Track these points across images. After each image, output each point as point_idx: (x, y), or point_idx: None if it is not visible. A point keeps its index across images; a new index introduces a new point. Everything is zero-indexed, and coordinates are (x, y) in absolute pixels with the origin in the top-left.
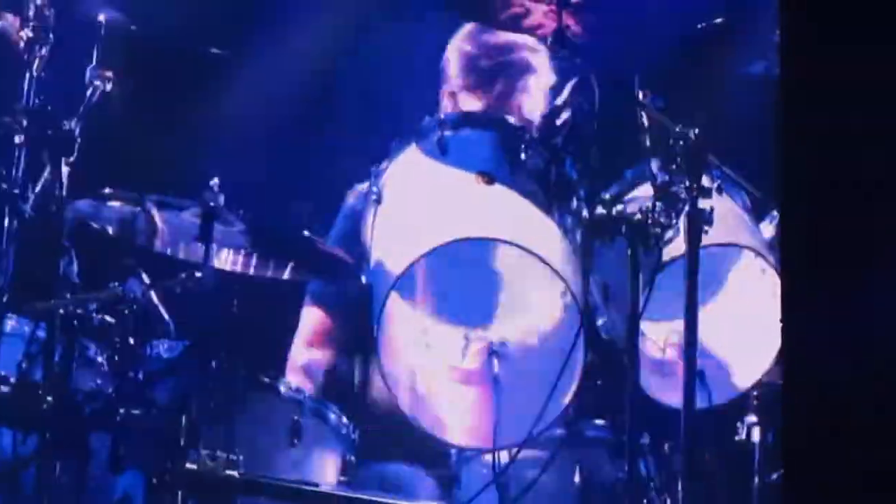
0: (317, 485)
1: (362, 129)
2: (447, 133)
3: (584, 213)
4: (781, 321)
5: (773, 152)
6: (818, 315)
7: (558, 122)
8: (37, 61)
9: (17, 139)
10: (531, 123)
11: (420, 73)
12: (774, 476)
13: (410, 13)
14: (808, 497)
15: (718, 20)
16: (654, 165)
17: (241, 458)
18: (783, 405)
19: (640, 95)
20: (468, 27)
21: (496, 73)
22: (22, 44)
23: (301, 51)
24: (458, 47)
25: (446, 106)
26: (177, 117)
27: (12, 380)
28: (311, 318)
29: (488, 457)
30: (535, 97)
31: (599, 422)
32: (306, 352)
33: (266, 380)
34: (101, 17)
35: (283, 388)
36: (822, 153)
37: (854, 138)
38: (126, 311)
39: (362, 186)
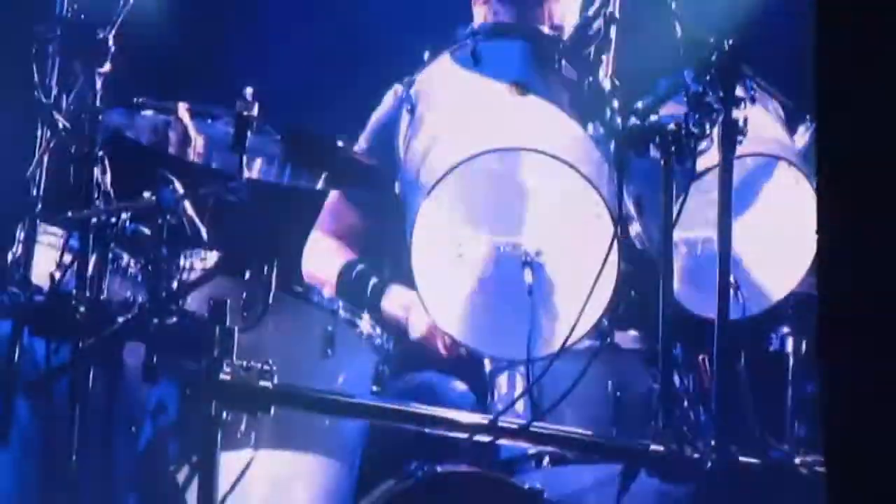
0: (351, 395)
1: (395, 38)
2: (481, 43)
3: (618, 122)
4: (817, 233)
5: (809, 60)
6: (853, 226)
7: (591, 32)
8: None
9: (51, 48)
10: (563, 31)
11: None
12: (808, 386)
13: None
14: (847, 418)
15: None
16: (688, 76)
17: (274, 368)
18: (818, 318)
19: (673, 6)
20: None
21: None
22: None
23: None
24: None
25: (478, 14)
26: (210, 26)
27: (46, 289)
28: (341, 209)
29: (522, 367)
30: (566, 4)
31: (633, 332)
32: (334, 246)
33: (299, 289)
34: None
35: (316, 298)
36: (859, 59)
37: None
38: (159, 221)
39: (394, 90)
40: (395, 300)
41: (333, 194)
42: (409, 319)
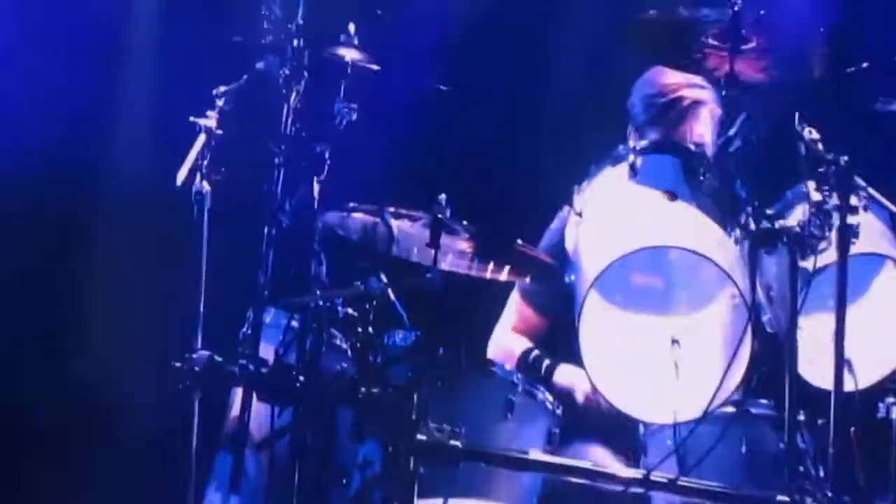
0: (526, 453)
1: (566, 153)
2: (637, 158)
3: (752, 226)
4: None
5: None
6: None
7: (730, 149)
8: (294, 94)
9: (277, 160)
10: (704, 146)
11: (613, 102)
12: None
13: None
14: None
15: (864, 65)
16: (810, 187)
17: (463, 430)
18: None
19: (798, 128)
20: (648, 73)
21: (671, 106)
22: (282, 80)
23: (511, 88)
24: (640, 92)
25: (633, 138)
26: (410, 141)
27: (271, 362)
28: (521, 310)
29: (670, 430)
30: (704, 125)
31: (764, 401)
32: (515, 338)
33: (485, 364)
34: (348, 58)
35: (498, 371)
36: None
37: None
38: (367, 306)
39: (567, 209)
40: (564, 375)
41: (516, 298)
42: (574, 390)
